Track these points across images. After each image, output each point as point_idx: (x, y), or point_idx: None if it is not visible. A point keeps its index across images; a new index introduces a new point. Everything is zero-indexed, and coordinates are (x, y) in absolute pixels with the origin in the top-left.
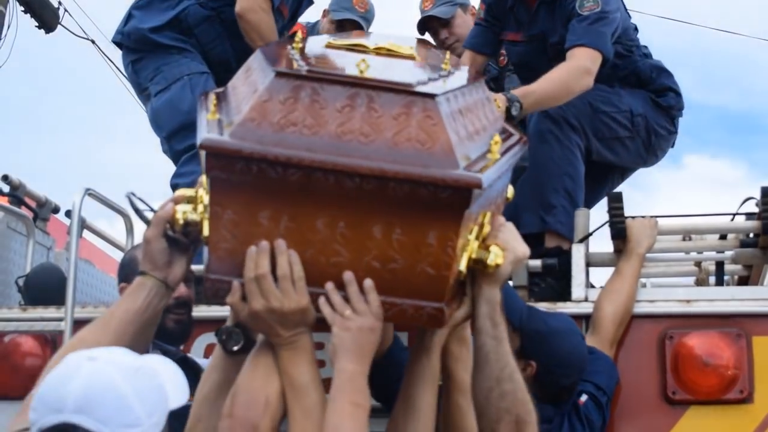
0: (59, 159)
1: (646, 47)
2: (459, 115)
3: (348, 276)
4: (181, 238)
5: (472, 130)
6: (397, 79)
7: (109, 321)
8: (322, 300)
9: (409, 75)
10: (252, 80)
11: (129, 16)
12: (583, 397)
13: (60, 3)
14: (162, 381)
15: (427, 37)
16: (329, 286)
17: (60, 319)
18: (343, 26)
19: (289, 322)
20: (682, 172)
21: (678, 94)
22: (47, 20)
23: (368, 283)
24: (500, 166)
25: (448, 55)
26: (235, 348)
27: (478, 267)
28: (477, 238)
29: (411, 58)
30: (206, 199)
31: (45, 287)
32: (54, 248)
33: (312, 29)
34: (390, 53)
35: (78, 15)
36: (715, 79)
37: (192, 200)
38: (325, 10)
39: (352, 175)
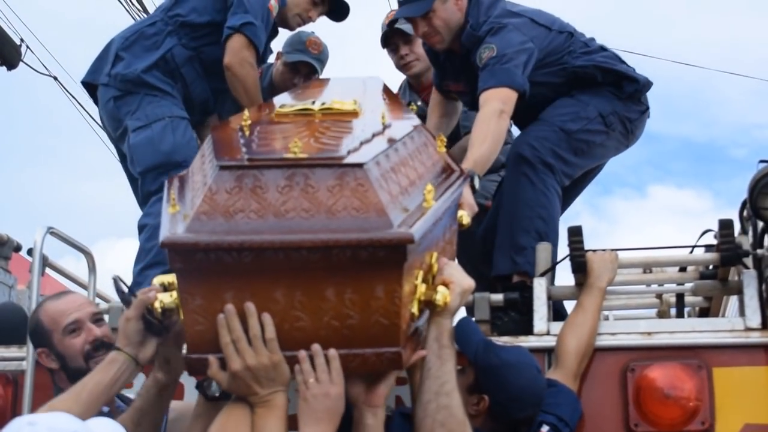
0: (20, 196)
1: (587, 44)
2: (391, 174)
3: (315, 347)
4: (155, 322)
5: (406, 184)
6: (330, 150)
7: (81, 392)
8: (296, 368)
9: (343, 142)
10: (204, 169)
11: (116, 58)
12: (545, 428)
13: (22, 40)
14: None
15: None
16: (301, 354)
17: (22, 359)
18: (297, 68)
19: (264, 379)
20: (647, 203)
21: (633, 79)
22: (9, 57)
23: (331, 353)
24: (436, 211)
25: (386, 104)
26: (216, 394)
27: (429, 307)
28: (424, 280)
29: (354, 114)
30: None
31: (7, 326)
32: (16, 287)
33: (265, 72)
34: (333, 112)
35: (40, 51)
36: (677, 110)
37: (170, 286)
38: (278, 53)
39: (298, 249)
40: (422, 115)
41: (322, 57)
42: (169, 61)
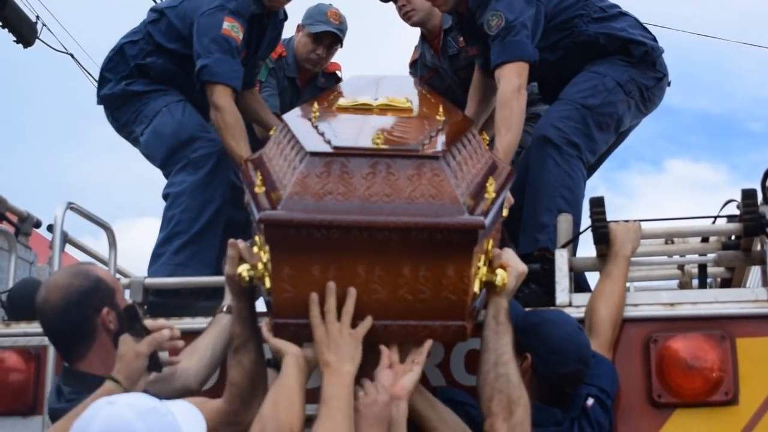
0: (40, 173)
1: (605, 9)
2: (458, 167)
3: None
4: (158, 364)
5: (470, 177)
6: (407, 143)
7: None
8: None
9: (414, 135)
10: (287, 155)
11: (102, 80)
12: (590, 401)
13: (38, 17)
14: (176, 419)
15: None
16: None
17: (43, 334)
18: (320, 39)
19: (338, 349)
20: (664, 177)
21: (639, 43)
22: (25, 35)
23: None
24: (497, 202)
25: (441, 105)
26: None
27: (488, 287)
28: (485, 263)
29: (409, 111)
30: (265, 258)
31: (28, 302)
32: (36, 263)
33: (288, 45)
34: (391, 108)
35: (56, 29)
36: (693, 83)
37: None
38: (299, 25)
39: (381, 229)
40: (433, 68)
41: (342, 27)
42: (150, 69)
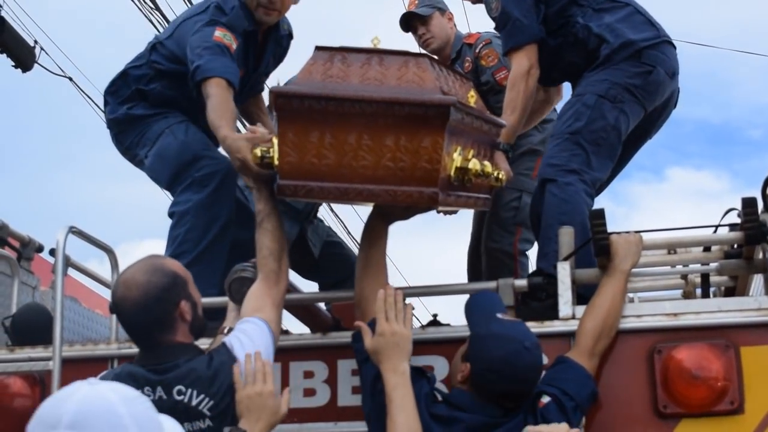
0: (41, 197)
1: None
2: (441, 74)
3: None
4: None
5: (453, 88)
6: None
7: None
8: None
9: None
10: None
11: (105, 103)
12: (545, 399)
13: (36, 42)
14: (161, 418)
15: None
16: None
17: (48, 359)
18: None
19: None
20: (665, 185)
21: (604, 40)
22: (23, 59)
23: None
24: (475, 112)
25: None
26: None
27: (463, 174)
28: (466, 159)
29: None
30: (276, 142)
31: (31, 327)
32: (39, 287)
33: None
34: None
35: (55, 53)
36: (692, 93)
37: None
38: None
39: (370, 102)
40: None
41: None
42: (148, 95)
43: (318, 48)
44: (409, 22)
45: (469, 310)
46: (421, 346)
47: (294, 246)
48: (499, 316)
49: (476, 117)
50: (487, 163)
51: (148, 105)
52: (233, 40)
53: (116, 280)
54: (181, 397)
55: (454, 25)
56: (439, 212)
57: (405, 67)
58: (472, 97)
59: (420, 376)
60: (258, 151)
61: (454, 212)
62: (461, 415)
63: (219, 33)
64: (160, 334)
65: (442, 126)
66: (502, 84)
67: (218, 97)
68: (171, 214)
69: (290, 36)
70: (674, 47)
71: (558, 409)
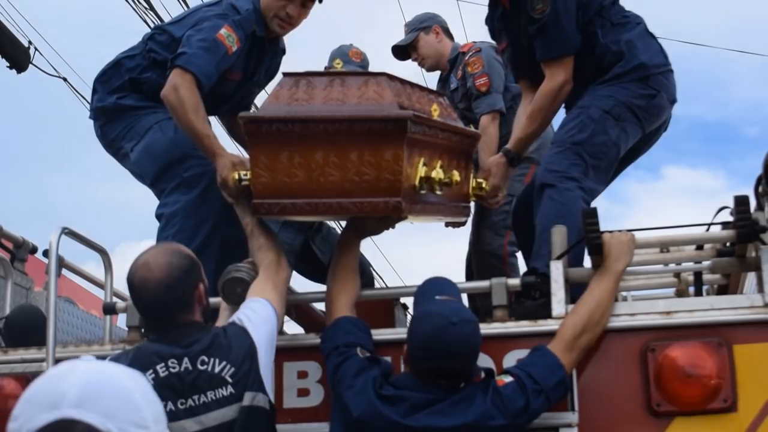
0: (36, 200)
1: (628, 16)
2: (402, 90)
3: None
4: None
5: (415, 103)
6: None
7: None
8: None
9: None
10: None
11: (93, 91)
12: (508, 378)
13: (30, 42)
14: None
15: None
16: None
17: (42, 360)
18: None
19: None
20: (661, 184)
21: (622, 59)
22: (18, 60)
23: None
24: (438, 126)
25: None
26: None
27: (430, 184)
28: (431, 169)
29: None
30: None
31: (25, 328)
32: (33, 288)
33: None
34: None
35: (49, 53)
36: (687, 91)
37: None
38: (325, 68)
39: (332, 121)
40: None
41: (364, 64)
42: (143, 84)
43: (285, 74)
44: (401, 53)
45: (415, 294)
46: None
47: (300, 255)
48: (438, 297)
49: (441, 129)
50: (455, 172)
51: (140, 97)
52: (235, 43)
53: (132, 267)
54: (204, 367)
55: (445, 37)
56: (447, 226)
57: (365, 86)
58: (436, 111)
59: (373, 363)
60: (236, 175)
61: (462, 224)
62: (406, 393)
63: (224, 32)
64: (182, 314)
65: (401, 139)
66: (480, 89)
67: (194, 99)
68: (159, 216)
69: (283, 52)
70: (673, 74)
71: (518, 388)
